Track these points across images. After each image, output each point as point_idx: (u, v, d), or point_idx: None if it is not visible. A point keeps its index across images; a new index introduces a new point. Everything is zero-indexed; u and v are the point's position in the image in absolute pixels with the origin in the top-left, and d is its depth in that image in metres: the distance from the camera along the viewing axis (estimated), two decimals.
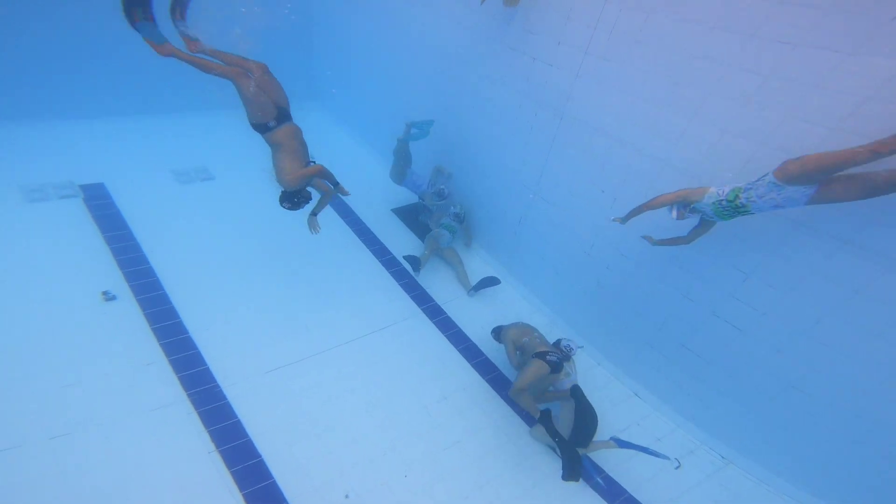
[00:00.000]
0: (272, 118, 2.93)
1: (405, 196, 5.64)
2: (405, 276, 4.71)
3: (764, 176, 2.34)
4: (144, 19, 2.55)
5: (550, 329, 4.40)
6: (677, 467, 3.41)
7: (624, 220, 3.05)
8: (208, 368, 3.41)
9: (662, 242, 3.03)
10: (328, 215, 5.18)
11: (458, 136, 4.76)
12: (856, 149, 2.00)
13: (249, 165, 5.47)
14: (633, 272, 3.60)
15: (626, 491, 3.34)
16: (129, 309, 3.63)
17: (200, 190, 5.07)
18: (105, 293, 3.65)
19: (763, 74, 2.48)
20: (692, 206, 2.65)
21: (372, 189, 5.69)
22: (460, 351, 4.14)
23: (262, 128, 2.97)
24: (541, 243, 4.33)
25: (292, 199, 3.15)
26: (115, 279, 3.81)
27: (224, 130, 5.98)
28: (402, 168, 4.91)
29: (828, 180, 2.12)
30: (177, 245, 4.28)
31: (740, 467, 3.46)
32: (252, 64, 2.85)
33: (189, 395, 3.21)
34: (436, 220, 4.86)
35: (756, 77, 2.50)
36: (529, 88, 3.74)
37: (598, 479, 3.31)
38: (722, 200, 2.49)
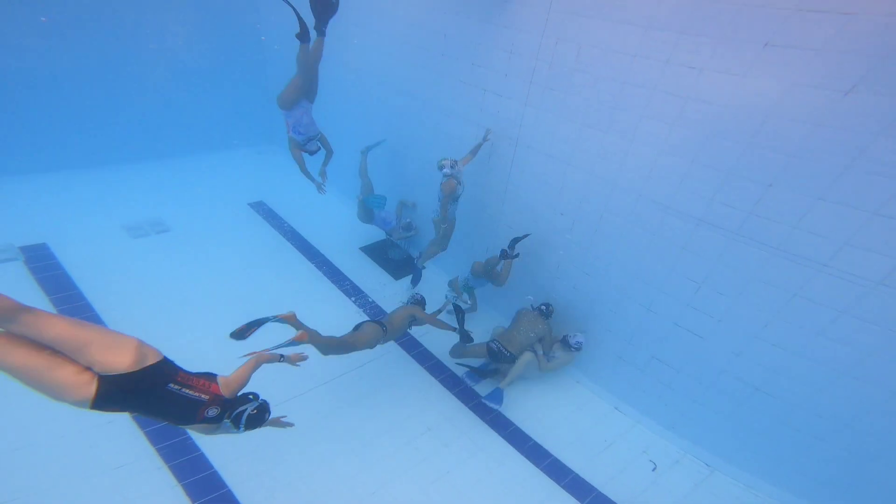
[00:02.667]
0: None
1: (373, 233, 5.63)
2: (378, 312, 4.71)
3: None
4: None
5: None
6: (654, 469, 3.47)
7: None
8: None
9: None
10: (295, 258, 5.20)
11: (421, 171, 4.90)
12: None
13: (209, 214, 5.42)
14: (599, 289, 3.70)
15: None
16: None
17: (155, 243, 4.91)
18: None
19: (682, 97, 2.68)
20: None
21: (337, 229, 5.69)
22: (441, 381, 4.14)
23: None
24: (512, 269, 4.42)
25: None
26: None
27: (179, 179, 5.92)
28: (368, 208, 4.97)
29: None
30: (132, 302, 4.13)
31: (726, 474, 3.45)
32: None
33: (158, 450, 3.13)
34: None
35: (677, 99, 2.70)
36: (484, 119, 3.94)
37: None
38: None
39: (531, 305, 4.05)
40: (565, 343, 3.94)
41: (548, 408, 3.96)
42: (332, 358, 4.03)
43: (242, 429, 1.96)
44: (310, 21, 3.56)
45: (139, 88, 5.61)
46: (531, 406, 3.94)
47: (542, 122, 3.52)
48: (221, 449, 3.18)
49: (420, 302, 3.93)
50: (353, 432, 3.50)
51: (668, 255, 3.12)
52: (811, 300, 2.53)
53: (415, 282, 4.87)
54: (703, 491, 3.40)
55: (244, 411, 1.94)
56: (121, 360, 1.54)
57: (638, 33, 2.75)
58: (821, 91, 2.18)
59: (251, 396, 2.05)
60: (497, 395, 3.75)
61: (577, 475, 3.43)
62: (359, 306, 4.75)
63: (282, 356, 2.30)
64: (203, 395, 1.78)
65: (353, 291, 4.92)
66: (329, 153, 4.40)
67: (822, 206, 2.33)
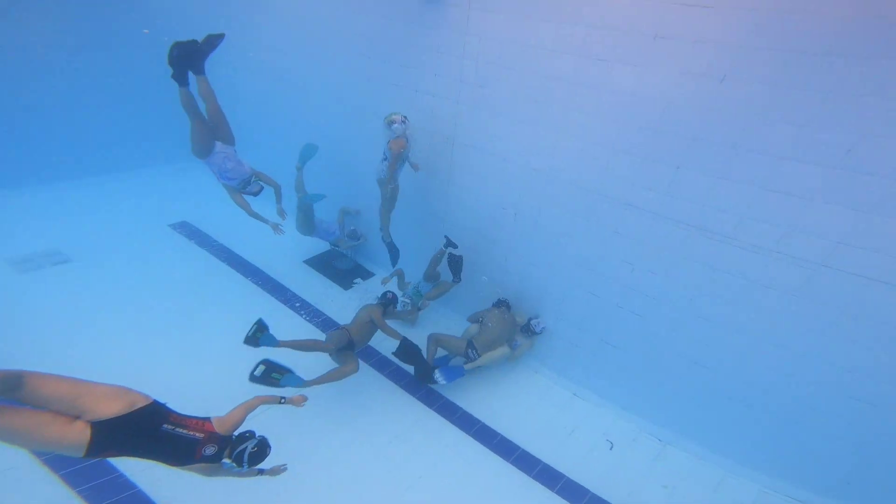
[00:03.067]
0: None
1: (317, 245, 5.46)
2: (331, 325, 4.55)
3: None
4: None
5: None
6: (611, 448, 3.59)
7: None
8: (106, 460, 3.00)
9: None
10: (232, 278, 4.96)
11: (360, 178, 4.80)
12: None
13: (121, 240, 5.05)
14: (547, 279, 3.76)
15: (589, 491, 3.36)
16: None
17: (53, 276, 4.45)
18: None
19: (597, 88, 2.78)
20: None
21: (278, 243, 5.26)
22: (403, 387, 4.09)
23: None
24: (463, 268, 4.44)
25: None
26: None
27: (81, 204, 5.43)
28: (308, 219, 4.80)
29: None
30: (27, 343, 3.72)
31: (679, 447, 3.58)
32: None
33: (79, 492, 2.81)
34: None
35: (592, 90, 2.80)
36: (419, 119, 3.91)
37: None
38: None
39: (492, 303, 4.04)
40: (527, 329, 3.96)
41: (511, 401, 3.98)
42: (304, 370, 3.90)
43: (246, 466, 1.98)
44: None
45: (21, 104, 5.06)
46: (495, 402, 3.95)
47: (475, 120, 3.55)
48: (170, 484, 2.95)
49: (390, 301, 3.81)
50: (318, 447, 3.38)
51: (603, 240, 3.22)
52: (724, 271, 2.68)
53: (394, 260, 4.49)
54: (660, 466, 3.51)
55: (245, 449, 1.96)
56: (111, 407, 1.57)
57: (551, 28, 2.83)
58: (703, 79, 2.34)
59: (248, 434, 2.06)
60: (454, 372, 3.73)
61: (545, 464, 3.47)
62: (308, 321, 4.60)
63: (282, 398, 2.31)
64: (198, 434, 1.80)
65: (301, 307, 4.75)
66: (277, 189, 4.10)
67: (723, 184, 2.48)
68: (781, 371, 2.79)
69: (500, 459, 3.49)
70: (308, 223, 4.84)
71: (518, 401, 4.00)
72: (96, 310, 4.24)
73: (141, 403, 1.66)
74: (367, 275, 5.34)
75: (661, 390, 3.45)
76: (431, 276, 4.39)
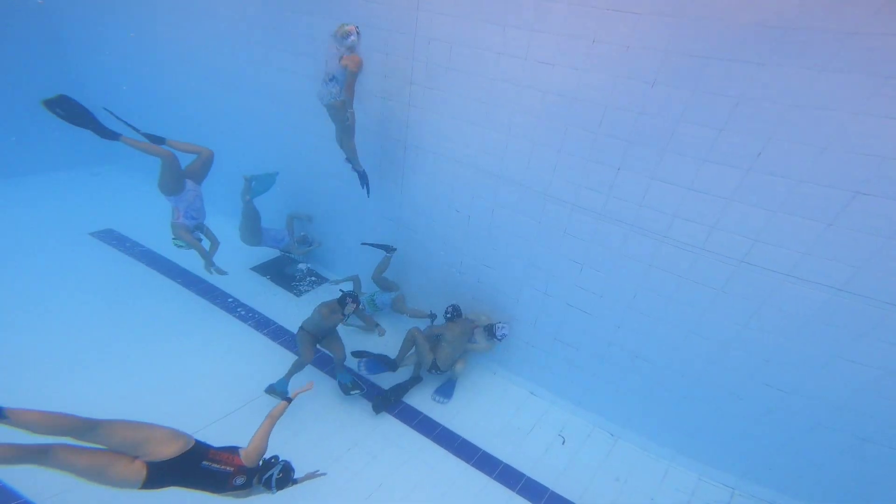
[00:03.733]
0: None
1: (261, 252, 5.19)
2: (283, 334, 4.35)
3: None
4: None
5: None
6: (563, 443, 3.69)
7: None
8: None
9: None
10: (168, 287, 4.61)
11: (309, 181, 4.67)
12: None
13: (32, 252, 4.57)
14: (501, 279, 3.79)
15: (548, 489, 3.38)
16: None
17: None
18: None
19: (542, 90, 2.85)
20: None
21: (221, 250, 5.05)
22: (361, 394, 3.93)
23: None
24: (415, 271, 4.38)
25: None
26: None
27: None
28: (253, 228, 4.56)
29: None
30: None
31: (627, 440, 3.72)
32: None
33: None
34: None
35: (537, 93, 2.87)
36: (369, 123, 3.84)
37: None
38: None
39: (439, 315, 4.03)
40: (490, 332, 3.92)
41: (470, 403, 3.96)
42: (222, 394, 3.64)
43: (275, 490, 2.22)
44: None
45: None
46: (455, 405, 3.92)
47: (426, 122, 3.52)
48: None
49: (352, 300, 3.55)
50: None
51: (553, 240, 3.29)
52: (661, 269, 2.83)
53: (363, 184, 3.97)
54: (612, 459, 3.63)
55: (271, 476, 2.20)
56: (166, 451, 1.87)
57: (499, 31, 2.87)
58: (635, 82, 2.46)
59: (273, 460, 2.28)
60: (449, 389, 3.93)
61: (506, 465, 3.47)
62: (257, 329, 4.35)
63: (289, 399, 2.45)
64: (228, 468, 2.05)
65: (248, 316, 4.49)
66: (214, 244, 4.02)
67: (656, 185, 2.62)
68: (708, 360, 2.97)
69: (462, 462, 3.46)
70: (253, 232, 4.57)
71: (477, 403, 3.99)
72: (5, 328, 3.75)
73: (189, 446, 1.96)
74: (320, 280, 5.14)
75: (610, 385, 3.58)
76: (382, 283, 4.31)
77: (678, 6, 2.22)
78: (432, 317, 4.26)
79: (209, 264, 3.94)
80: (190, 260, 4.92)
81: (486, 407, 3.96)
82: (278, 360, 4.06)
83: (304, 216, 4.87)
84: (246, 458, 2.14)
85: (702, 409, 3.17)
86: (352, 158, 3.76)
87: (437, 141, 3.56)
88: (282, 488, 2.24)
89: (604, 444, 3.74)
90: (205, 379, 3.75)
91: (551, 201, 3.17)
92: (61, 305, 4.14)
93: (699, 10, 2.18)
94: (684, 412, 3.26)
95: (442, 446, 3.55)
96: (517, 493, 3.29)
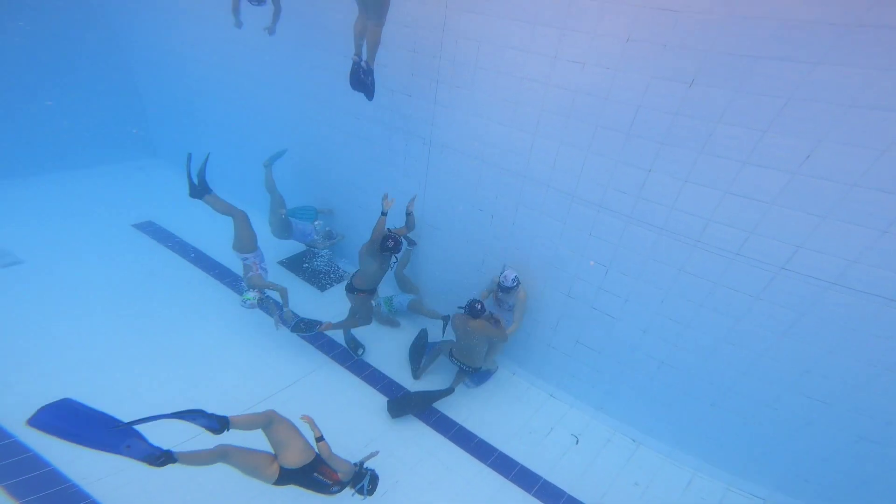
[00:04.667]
0: None
1: (289, 246, 5.30)
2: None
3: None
4: None
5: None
6: (577, 443, 3.68)
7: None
8: (54, 469, 2.88)
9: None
10: (203, 281, 4.75)
11: (332, 176, 4.74)
12: None
13: (80, 240, 4.79)
14: (523, 280, 3.73)
15: (565, 493, 3.36)
16: None
17: (4, 278, 4.27)
18: None
19: (572, 90, 2.79)
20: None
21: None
22: (379, 390, 4.01)
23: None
24: (437, 268, 4.39)
25: None
26: None
27: (32, 203, 5.18)
28: (283, 221, 4.70)
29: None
30: None
31: (649, 447, 3.64)
32: None
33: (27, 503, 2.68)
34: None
35: (567, 92, 2.81)
36: (394, 119, 3.86)
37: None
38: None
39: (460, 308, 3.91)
40: (504, 289, 3.57)
41: (488, 403, 3.96)
42: (256, 380, 3.81)
43: (366, 495, 2.72)
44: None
45: None
46: (472, 404, 3.93)
47: (452, 120, 3.52)
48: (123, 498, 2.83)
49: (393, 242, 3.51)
50: None
51: (578, 242, 3.23)
52: (692, 274, 2.73)
53: (361, 84, 3.35)
54: (632, 466, 3.56)
55: (363, 486, 2.68)
56: (296, 460, 2.41)
57: (527, 29, 2.83)
58: (672, 83, 2.37)
59: (363, 472, 2.71)
60: (481, 378, 4.02)
61: (522, 466, 3.46)
62: (284, 323, 4.46)
63: (320, 438, 2.63)
64: (329, 481, 2.53)
65: (276, 308, 4.62)
66: (284, 293, 4.07)
67: (690, 188, 2.53)
68: (740, 370, 2.86)
69: (478, 462, 3.46)
70: (285, 227, 4.71)
71: (495, 403, 3.99)
72: (52, 316, 3.99)
73: (310, 458, 2.46)
74: (344, 275, 5.24)
75: (633, 391, 3.50)
76: (403, 283, 4.34)
77: (726, 4, 2.11)
78: (446, 319, 4.24)
79: (286, 306, 4.05)
80: (223, 254, 5.13)
81: (503, 408, 3.95)
82: (300, 352, 4.18)
83: (327, 210, 4.98)
84: (342, 474, 2.61)
85: (731, 419, 3.06)
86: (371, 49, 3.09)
87: (461, 139, 3.55)
88: (371, 495, 2.75)
89: (625, 450, 3.67)
90: (234, 369, 3.90)
91: (577, 202, 3.11)
92: (99, 289, 4.37)
93: (748, 10, 2.07)
94: (713, 420, 3.15)
95: (459, 445, 3.56)
96: (533, 495, 3.28)
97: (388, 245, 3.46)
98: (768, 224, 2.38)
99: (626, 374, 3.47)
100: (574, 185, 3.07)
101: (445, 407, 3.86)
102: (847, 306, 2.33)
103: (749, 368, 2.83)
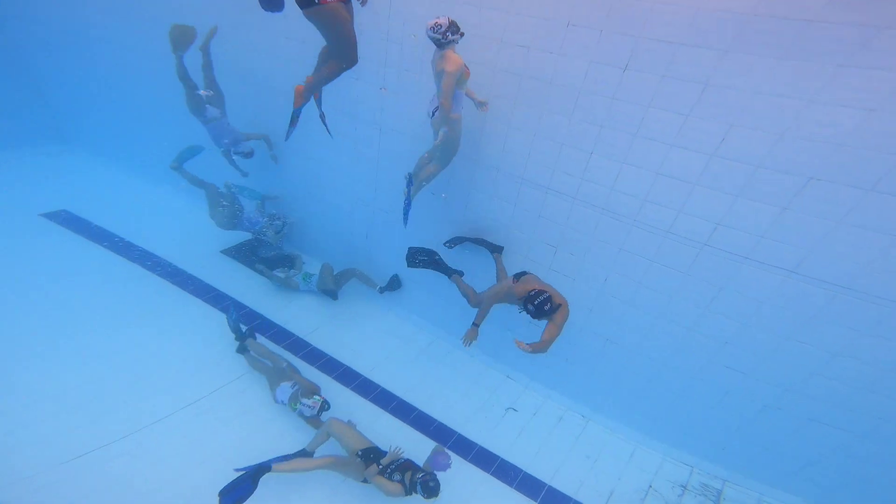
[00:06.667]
0: None
1: (230, 235, 5.00)
2: (252, 319, 4.26)
3: None
4: None
5: (430, 343, 4.44)
6: (508, 411, 3.89)
7: None
8: None
9: None
10: (131, 271, 4.43)
11: (282, 163, 4.56)
12: None
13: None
14: (472, 268, 3.80)
15: (522, 470, 3.43)
16: None
17: None
18: None
19: (518, 75, 2.84)
20: None
21: (187, 232, 4.90)
22: (335, 377, 3.93)
23: None
24: (390, 255, 4.36)
25: None
26: None
27: None
28: (231, 212, 4.48)
29: None
30: None
31: (597, 423, 3.82)
32: None
33: None
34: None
35: (513, 77, 2.86)
36: (341, 104, 3.74)
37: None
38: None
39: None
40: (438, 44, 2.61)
41: (445, 386, 3.99)
42: (192, 379, 3.55)
43: (421, 492, 2.75)
44: None
45: None
46: (431, 387, 3.94)
47: (400, 105, 3.45)
48: None
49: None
50: (226, 463, 3.05)
51: (528, 223, 3.31)
52: (631, 252, 2.90)
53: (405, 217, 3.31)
54: (582, 442, 3.72)
55: (417, 483, 2.77)
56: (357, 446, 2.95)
57: (475, 13, 2.84)
58: (608, 67, 2.49)
59: (417, 478, 2.78)
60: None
61: (481, 447, 3.52)
62: (225, 312, 4.21)
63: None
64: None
65: (219, 299, 4.38)
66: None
67: (628, 169, 2.68)
68: (673, 347, 3.07)
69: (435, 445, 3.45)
70: (231, 217, 4.48)
71: (453, 386, 4.02)
72: None
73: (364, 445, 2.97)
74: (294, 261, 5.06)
75: (579, 368, 3.66)
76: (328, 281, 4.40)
77: None
78: (394, 280, 4.48)
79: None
80: (159, 245, 4.81)
81: (461, 390, 3.99)
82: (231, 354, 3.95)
83: (273, 197, 4.81)
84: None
85: (665, 393, 3.28)
86: (415, 182, 3.01)
87: (410, 125, 3.51)
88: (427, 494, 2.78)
89: (575, 427, 3.82)
90: (170, 365, 3.64)
91: (527, 185, 3.18)
92: (10, 288, 3.93)
93: None
94: (650, 395, 3.37)
95: (418, 430, 3.58)
96: (491, 473, 3.36)
97: None
98: (693, 203, 2.57)
99: (573, 353, 3.62)
100: (523, 169, 3.15)
101: (403, 391, 3.84)
102: (757, 280, 2.56)
103: (681, 344, 3.03)
